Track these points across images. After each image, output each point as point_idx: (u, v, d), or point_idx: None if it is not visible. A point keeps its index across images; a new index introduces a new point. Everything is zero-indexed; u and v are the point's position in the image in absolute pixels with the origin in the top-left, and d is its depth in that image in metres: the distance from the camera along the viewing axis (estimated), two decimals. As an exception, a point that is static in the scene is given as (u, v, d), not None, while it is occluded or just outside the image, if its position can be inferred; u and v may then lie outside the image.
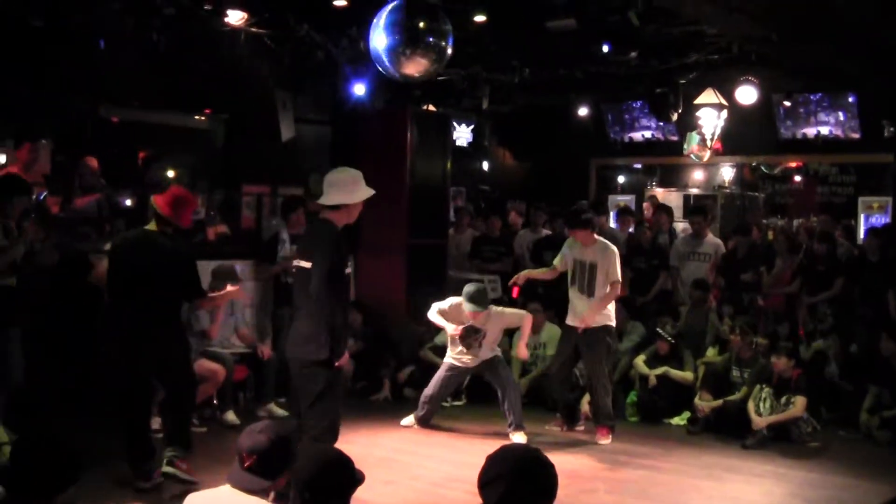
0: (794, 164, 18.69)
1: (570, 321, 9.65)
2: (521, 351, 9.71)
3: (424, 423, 9.80)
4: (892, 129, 13.71)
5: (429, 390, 9.76)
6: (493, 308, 9.63)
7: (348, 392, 11.34)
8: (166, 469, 7.27)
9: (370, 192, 6.85)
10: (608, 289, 9.41)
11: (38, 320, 8.55)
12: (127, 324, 7.31)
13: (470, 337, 9.46)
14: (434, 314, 9.67)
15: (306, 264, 6.66)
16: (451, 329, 9.51)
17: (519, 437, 9.16)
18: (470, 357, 9.58)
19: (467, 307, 9.32)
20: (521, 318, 9.70)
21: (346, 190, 6.78)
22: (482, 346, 9.52)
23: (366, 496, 6.93)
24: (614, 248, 9.58)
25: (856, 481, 8.19)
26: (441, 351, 11.12)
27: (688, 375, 10.40)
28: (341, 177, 6.86)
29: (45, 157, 10.48)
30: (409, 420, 9.84)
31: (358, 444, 8.62)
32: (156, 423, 8.81)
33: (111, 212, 10.73)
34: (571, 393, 10.02)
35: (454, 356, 9.69)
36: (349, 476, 3.90)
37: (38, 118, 10.72)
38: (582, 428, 9.82)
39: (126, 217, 11.04)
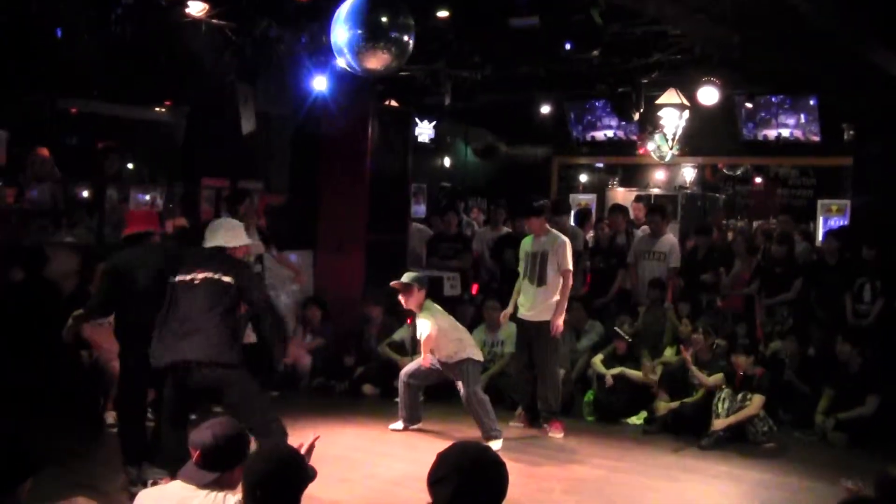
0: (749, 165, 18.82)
1: (521, 315, 9.77)
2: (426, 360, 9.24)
3: (412, 421, 9.54)
4: (851, 132, 13.80)
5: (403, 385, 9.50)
6: (429, 302, 9.38)
7: (306, 389, 11.33)
8: None
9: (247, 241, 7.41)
10: (560, 279, 9.49)
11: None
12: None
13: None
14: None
15: (227, 279, 6.75)
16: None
17: (495, 444, 8.64)
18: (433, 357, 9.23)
19: (400, 283, 9.09)
20: (426, 333, 9.07)
21: (232, 235, 7.11)
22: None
23: (321, 494, 6.90)
24: (565, 238, 9.71)
25: (811, 483, 8.23)
26: (399, 347, 11.10)
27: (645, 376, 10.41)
28: (226, 224, 7.28)
29: (1, 149, 10.36)
30: (397, 424, 9.58)
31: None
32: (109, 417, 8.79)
33: (67, 203, 10.62)
34: (533, 388, 9.97)
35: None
36: (299, 473, 3.87)
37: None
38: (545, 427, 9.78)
39: (85, 208, 10.96)
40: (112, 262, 7.36)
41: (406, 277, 9.19)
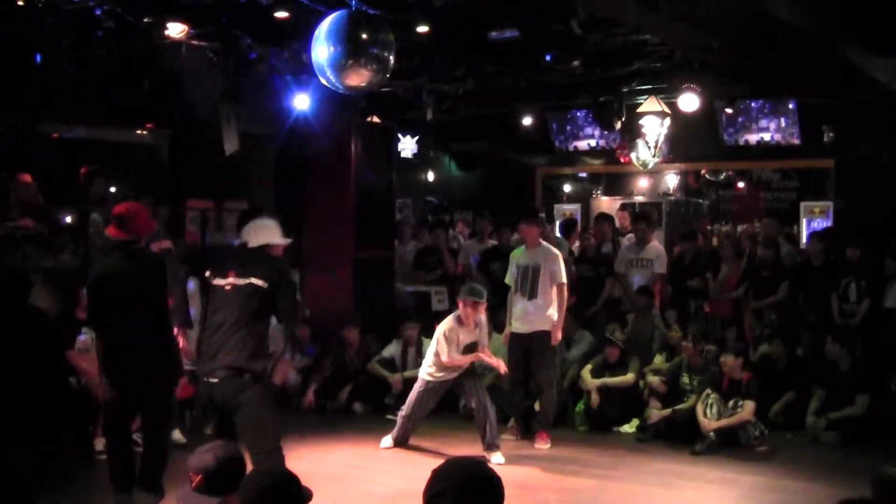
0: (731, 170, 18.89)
1: (513, 329, 9.77)
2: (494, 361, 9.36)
3: (402, 442, 9.46)
4: (830, 134, 13.87)
5: (406, 410, 9.37)
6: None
7: (294, 408, 11.27)
8: None
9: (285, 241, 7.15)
10: (554, 291, 9.53)
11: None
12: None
13: (473, 353, 9.18)
14: (445, 357, 9.14)
15: (260, 282, 6.62)
16: (464, 358, 9.12)
17: (497, 458, 8.78)
18: (445, 371, 9.19)
19: (474, 299, 8.95)
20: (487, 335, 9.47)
21: (269, 233, 7.02)
22: None
23: (316, 513, 6.88)
24: (557, 251, 9.74)
25: (805, 484, 8.24)
26: (388, 364, 11.06)
27: (628, 378, 10.39)
28: (264, 223, 7.18)
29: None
30: (387, 441, 9.49)
31: (308, 460, 8.55)
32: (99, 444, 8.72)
33: (51, 229, 10.57)
34: (528, 400, 9.98)
35: (430, 373, 9.24)
36: (295, 494, 3.84)
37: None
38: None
39: (70, 233, 10.90)
40: (90, 278, 7.12)
41: (473, 293, 9.07)
